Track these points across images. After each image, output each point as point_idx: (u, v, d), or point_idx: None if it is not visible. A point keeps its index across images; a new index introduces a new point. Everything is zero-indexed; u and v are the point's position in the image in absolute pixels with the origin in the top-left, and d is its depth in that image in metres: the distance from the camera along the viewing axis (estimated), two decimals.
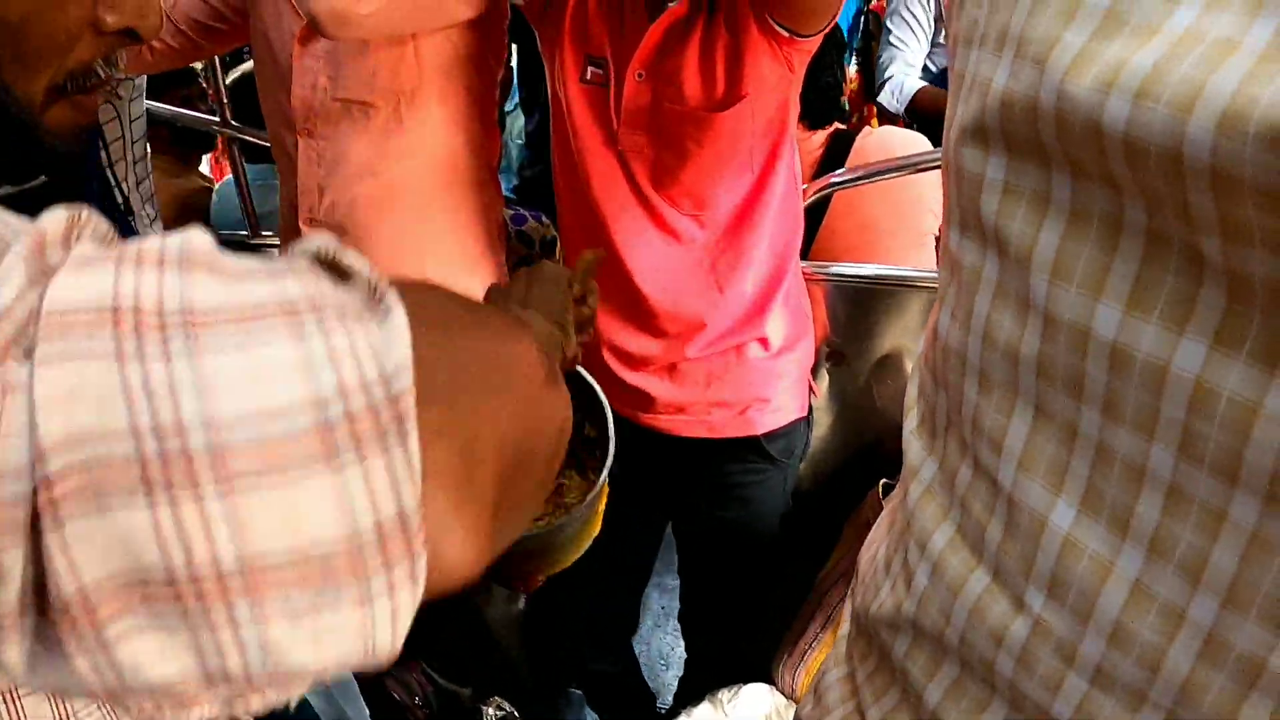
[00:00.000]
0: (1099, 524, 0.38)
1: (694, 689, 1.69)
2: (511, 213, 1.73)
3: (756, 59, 1.13)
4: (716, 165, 1.20)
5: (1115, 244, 0.36)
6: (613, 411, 0.86)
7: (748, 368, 1.33)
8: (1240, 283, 0.31)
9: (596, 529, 0.92)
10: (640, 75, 1.17)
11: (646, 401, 1.36)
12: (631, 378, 1.35)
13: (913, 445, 0.54)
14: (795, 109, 1.24)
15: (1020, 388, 0.41)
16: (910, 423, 0.56)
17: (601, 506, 0.90)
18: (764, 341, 1.33)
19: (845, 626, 0.63)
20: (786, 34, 1.11)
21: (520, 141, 2.92)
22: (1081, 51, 0.34)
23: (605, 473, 0.83)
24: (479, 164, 1.37)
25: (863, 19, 2.78)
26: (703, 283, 1.27)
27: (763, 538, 1.49)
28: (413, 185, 1.30)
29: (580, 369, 0.88)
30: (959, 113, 0.44)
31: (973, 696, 0.45)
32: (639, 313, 1.30)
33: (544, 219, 1.77)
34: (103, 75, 0.52)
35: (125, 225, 1.18)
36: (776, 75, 1.15)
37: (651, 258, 1.26)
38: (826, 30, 1.14)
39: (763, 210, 1.24)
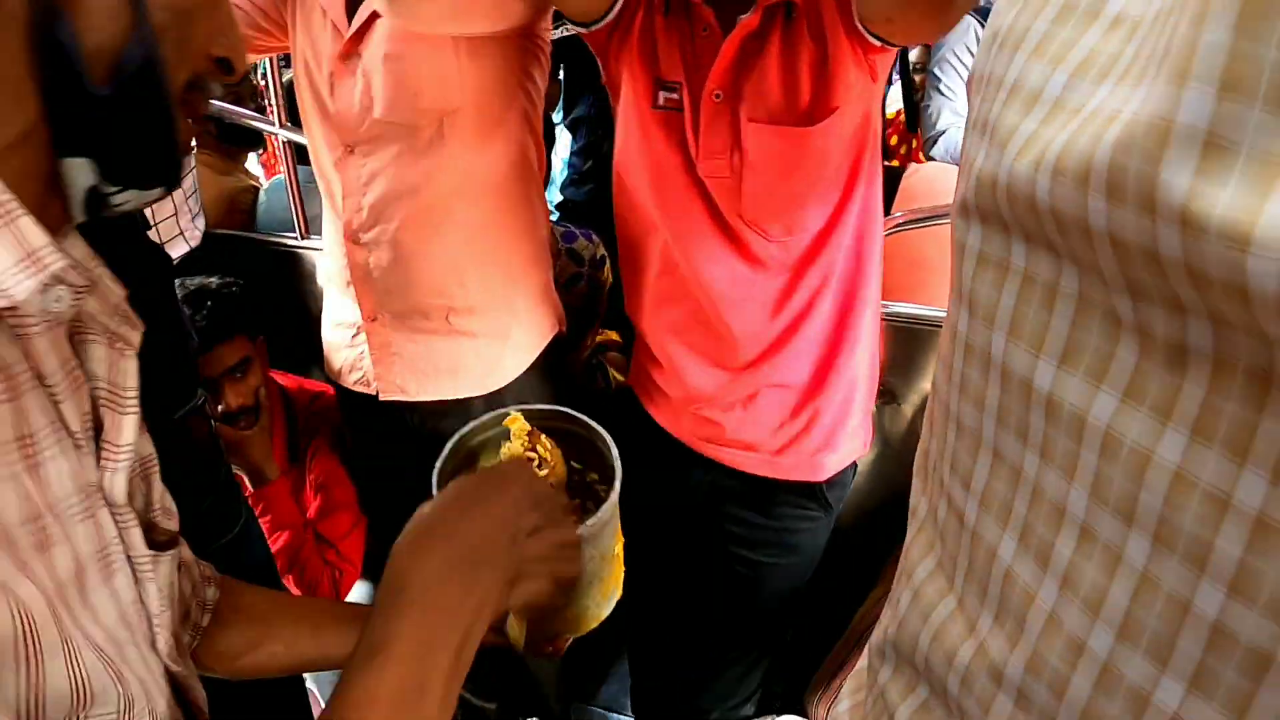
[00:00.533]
0: (1029, 557, 0.44)
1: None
2: (562, 230, 1.80)
3: (843, 68, 1.10)
4: (808, 187, 1.17)
5: (1053, 305, 0.42)
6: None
7: (824, 403, 1.32)
8: (1147, 340, 0.37)
9: (612, 585, 0.89)
10: (718, 95, 1.14)
11: (715, 432, 1.36)
12: (705, 410, 1.34)
13: (914, 484, 0.62)
14: (879, 119, 1.22)
15: (984, 434, 0.48)
16: (916, 463, 0.63)
17: (615, 564, 0.89)
18: (841, 369, 1.31)
19: (863, 660, 0.70)
20: (878, 43, 1.07)
21: (565, 157, 3.01)
22: (1030, 135, 0.41)
23: (594, 524, 0.78)
24: (523, 181, 1.41)
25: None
26: (786, 305, 1.25)
27: (797, 582, 1.50)
28: (455, 203, 1.35)
29: (578, 414, 0.88)
30: (958, 187, 0.52)
31: (937, 719, 0.52)
32: (720, 344, 1.29)
33: (594, 237, 1.84)
34: (212, 92, 0.60)
35: (135, 235, 1.24)
36: (862, 84, 1.12)
37: (735, 285, 1.24)
38: None
39: (845, 226, 1.23)
